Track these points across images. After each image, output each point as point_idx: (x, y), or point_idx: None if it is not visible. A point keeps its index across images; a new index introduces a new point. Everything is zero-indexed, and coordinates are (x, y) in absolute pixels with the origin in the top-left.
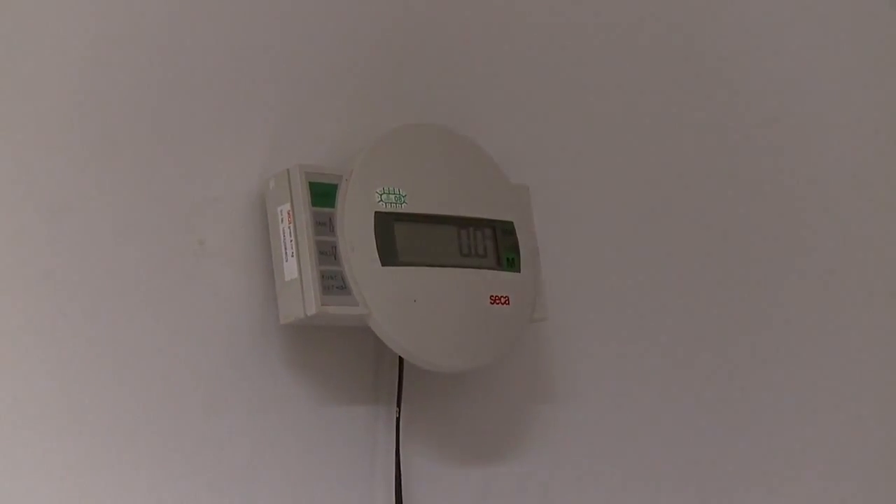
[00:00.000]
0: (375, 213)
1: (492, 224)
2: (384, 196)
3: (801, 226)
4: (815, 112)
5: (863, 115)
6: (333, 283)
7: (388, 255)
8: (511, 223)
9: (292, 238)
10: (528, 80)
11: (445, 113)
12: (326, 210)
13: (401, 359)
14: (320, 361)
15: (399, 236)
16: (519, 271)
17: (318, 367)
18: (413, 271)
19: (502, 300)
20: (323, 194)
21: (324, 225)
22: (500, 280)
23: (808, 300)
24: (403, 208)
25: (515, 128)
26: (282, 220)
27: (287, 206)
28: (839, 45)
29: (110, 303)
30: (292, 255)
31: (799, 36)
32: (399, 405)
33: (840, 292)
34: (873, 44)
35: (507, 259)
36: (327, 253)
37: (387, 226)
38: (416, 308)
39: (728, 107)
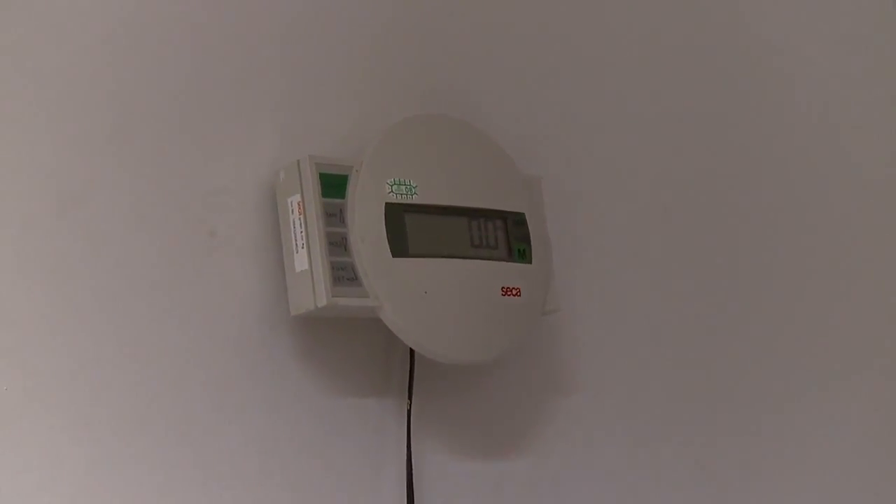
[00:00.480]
0: (386, 204)
1: (503, 215)
2: (395, 187)
3: (819, 221)
4: (826, 111)
5: (867, 114)
6: (344, 274)
7: (399, 246)
8: (522, 214)
9: (302, 229)
10: (539, 71)
11: (456, 103)
12: (337, 201)
13: (412, 351)
14: (331, 353)
15: (410, 227)
16: (530, 263)
17: (328, 359)
18: (424, 263)
19: (514, 292)
20: (333, 185)
21: (334, 216)
22: (511, 271)
23: (823, 291)
24: (414, 199)
25: (527, 118)
26: (292, 212)
27: (297, 197)
28: (844, 45)
29: (119, 294)
30: (303, 247)
31: (808, 36)
32: (410, 398)
33: (858, 290)
34: (878, 43)
35: (519, 250)
36: (338, 244)
37: (397, 217)
38: (426, 300)
39: (744, 102)
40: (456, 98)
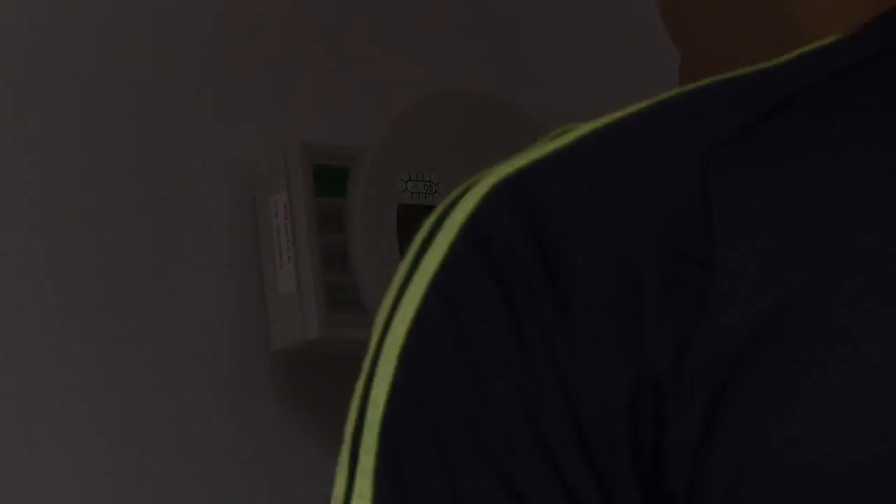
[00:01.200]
0: (399, 205)
1: None
2: (410, 184)
3: None
4: None
5: None
6: (342, 297)
7: None
8: None
9: (289, 238)
10: (593, 38)
11: (489, 78)
12: (335, 201)
13: None
14: (324, 399)
15: None
16: None
17: (320, 406)
18: None
19: None
20: (331, 181)
21: (331, 221)
22: None
23: None
24: (435, 200)
25: (577, 97)
26: (276, 215)
27: (283, 197)
28: None
29: (52, 320)
30: (289, 261)
31: None
32: None
33: None
34: None
35: None
36: (335, 258)
37: (414, 223)
38: None
39: None
40: (489, 71)
